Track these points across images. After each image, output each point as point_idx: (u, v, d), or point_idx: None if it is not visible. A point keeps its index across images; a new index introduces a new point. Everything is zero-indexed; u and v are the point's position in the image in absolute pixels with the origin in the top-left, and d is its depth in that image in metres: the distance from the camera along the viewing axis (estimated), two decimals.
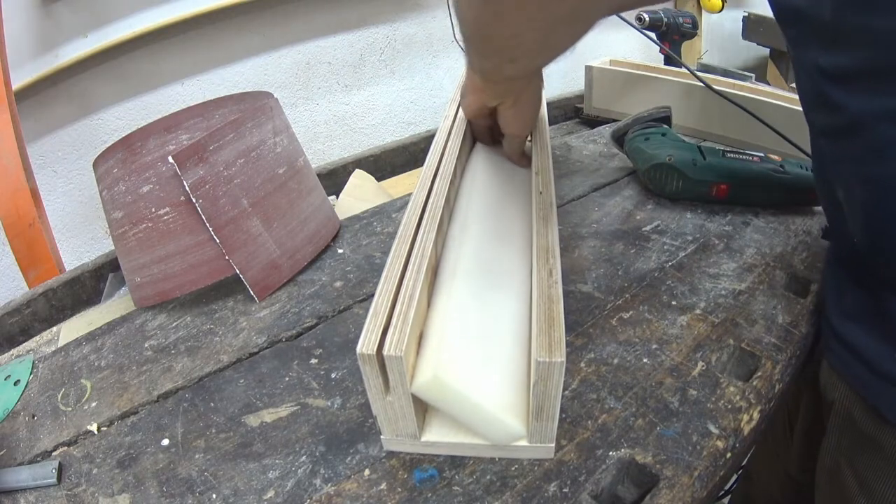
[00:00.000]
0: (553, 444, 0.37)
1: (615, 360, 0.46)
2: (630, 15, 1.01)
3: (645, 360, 0.45)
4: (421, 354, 0.35)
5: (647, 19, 1.01)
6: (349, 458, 0.39)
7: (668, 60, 1.05)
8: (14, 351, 0.59)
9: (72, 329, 0.59)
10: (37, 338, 0.61)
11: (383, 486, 0.37)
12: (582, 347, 0.47)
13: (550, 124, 1.00)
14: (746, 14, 1.72)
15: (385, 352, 0.31)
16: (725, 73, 1.01)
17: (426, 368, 0.33)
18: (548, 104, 0.59)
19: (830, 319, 0.45)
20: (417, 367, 0.34)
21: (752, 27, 1.71)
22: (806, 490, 0.54)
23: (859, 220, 0.40)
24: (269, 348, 0.51)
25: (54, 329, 0.62)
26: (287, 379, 0.47)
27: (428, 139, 0.64)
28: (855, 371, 0.42)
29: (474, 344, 0.36)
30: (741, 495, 0.75)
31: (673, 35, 1.04)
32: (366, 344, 0.31)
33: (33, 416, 0.46)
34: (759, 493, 0.69)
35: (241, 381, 0.47)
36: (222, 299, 0.58)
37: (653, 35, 1.00)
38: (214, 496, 0.38)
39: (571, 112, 1.15)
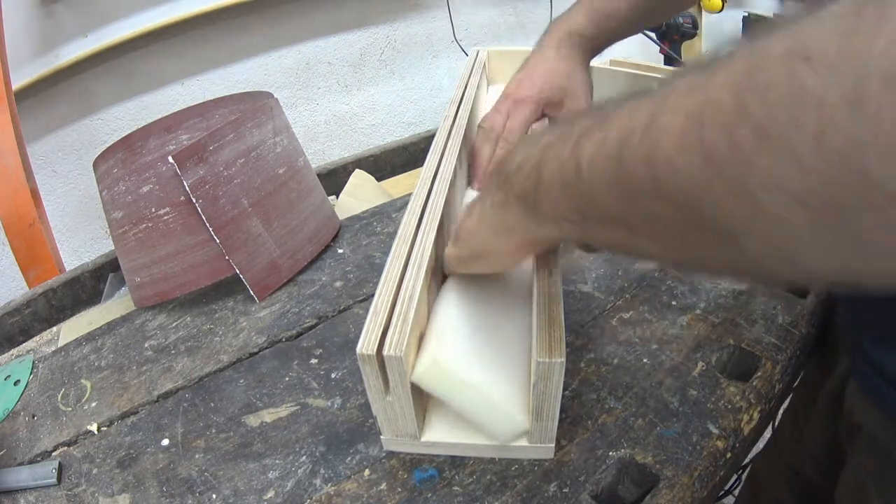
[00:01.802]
0: (553, 444, 0.37)
1: (615, 360, 0.46)
2: None
3: (645, 360, 0.45)
4: (421, 350, 0.35)
5: None
6: (349, 458, 0.39)
7: (668, 60, 1.05)
8: (14, 351, 0.59)
9: (72, 329, 0.59)
10: (37, 338, 0.61)
11: (383, 486, 0.37)
12: (582, 347, 0.47)
13: None
14: (746, 14, 1.72)
15: (385, 352, 0.31)
16: None
17: (426, 356, 0.34)
18: None
19: (860, 340, 0.43)
20: (417, 360, 0.34)
21: (752, 27, 1.71)
22: (820, 491, 0.54)
23: None
24: (269, 348, 0.51)
25: (54, 329, 0.62)
26: (287, 379, 0.47)
27: (428, 139, 0.64)
28: (888, 396, 0.40)
29: (474, 339, 0.36)
30: (747, 497, 0.75)
31: (673, 35, 1.04)
32: (366, 344, 0.31)
33: (33, 416, 0.46)
34: (765, 494, 0.69)
35: (241, 381, 0.47)
36: (222, 299, 0.58)
37: (653, 35, 1.00)
38: (214, 496, 0.38)
39: None
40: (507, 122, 0.50)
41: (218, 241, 0.54)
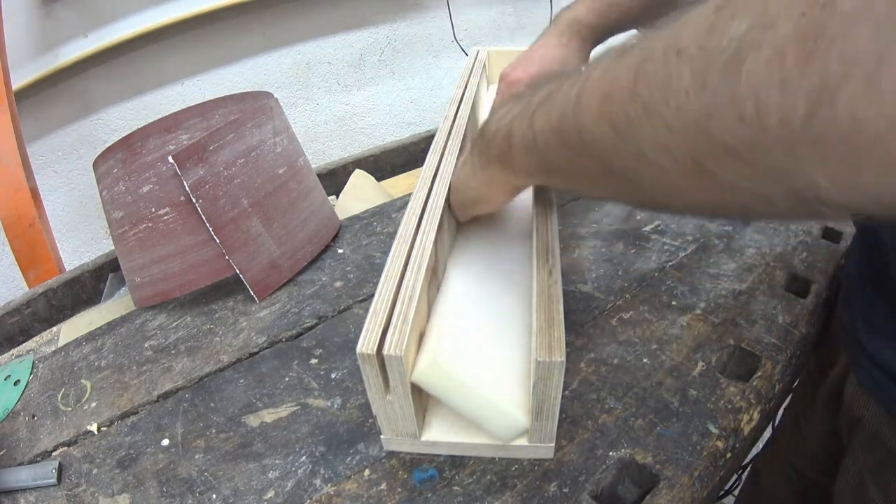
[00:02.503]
0: (553, 444, 0.37)
1: (615, 360, 0.46)
2: None
3: (645, 360, 0.45)
4: (421, 350, 0.35)
5: None
6: (349, 458, 0.39)
7: None
8: (14, 351, 0.59)
9: (72, 329, 0.59)
10: (37, 338, 0.61)
11: (383, 486, 0.37)
12: (582, 347, 0.47)
13: None
14: None
15: (385, 351, 0.31)
16: None
17: (426, 356, 0.34)
18: None
19: (860, 337, 0.44)
20: (417, 359, 0.34)
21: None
22: (819, 488, 0.54)
23: None
24: (269, 348, 0.51)
25: (54, 329, 0.62)
26: (287, 379, 0.47)
27: (428, 139, 0.64)
28: (889, 392, 0.41)
29: (475, 338, 0.36)
30: (747, 495, 0.75)
31: None
32: (366, 344, 0.32)
33: (33, 416, 0.46)
34: (765, 493, 0.69)
35: (241, 381, 0.47)
36: (222, 299, 0.58)
37: None
38: (214, 496, 0.38)
39: None
40: None
41: (218, 241, 0.54)
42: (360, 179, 0.85)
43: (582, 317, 0.50)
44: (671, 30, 0.21)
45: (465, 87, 0.61)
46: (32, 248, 0.84)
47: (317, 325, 0.53)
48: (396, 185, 0.92)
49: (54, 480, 0.40)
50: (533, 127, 0.29)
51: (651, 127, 0.21)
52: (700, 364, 0.45)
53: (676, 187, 0.23)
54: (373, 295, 0.35)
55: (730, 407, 0.41)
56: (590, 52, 0.56)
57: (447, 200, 0.43)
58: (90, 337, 0.55)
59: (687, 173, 0.21)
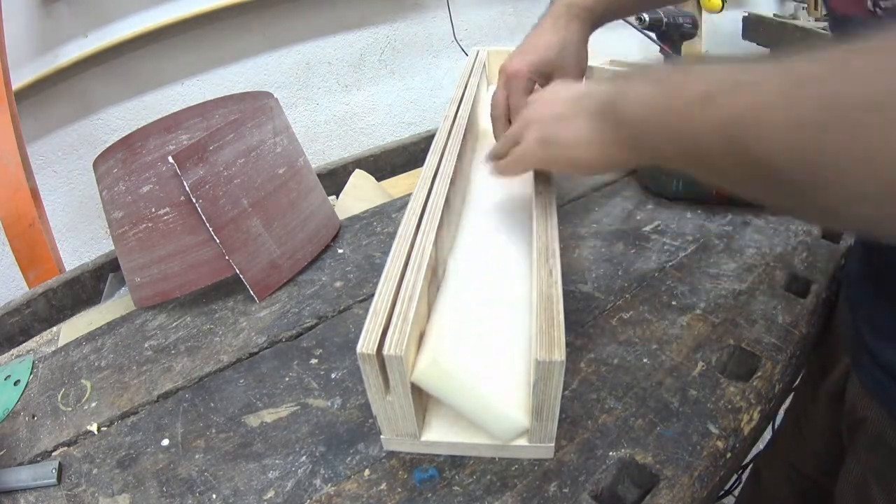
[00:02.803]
0: (553, 444, 0.37)
1: (615, 360, 0.46)
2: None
3: (645, 360, 0.45)
4: (421, 350, 0.35)
5: (647, 19, 1.01)
6: (349, 458, 0.39)
7: (669, 60, 1.05)
8: (14, 351, 0.59)
9: (72, 329, 0.59)
10: (37, 338, 0.61)
11: (383, 486, 0.37)
12: (582, 347, 0.47)
13: None
14: (746, 14, 1.72)
15: (385, 351, 0.31)
16: None
17: (426, 355, 0.34)
18: None
19: (861, 337, 0.44)
20: (417, 359, 0.34)
21: (752, 27, 1.70)
22: (820, 488, 0.54)
23: None
24: (269, 348, 0.51)
25: (54, 329, 0.62)
26: (287, 379, 0.47)
27: (428, 139, 0.64)
28: (891, 392, 0.41)
29: (474, 338, 0.36)
30: (748, 495, 0.75)
31: (673, 35, 1.03)
32: (366, 344, 0.32)
33: (33, 416, 0.46)
34: (766, 493, 0.69)
35: (241, 381, 0.47)
36: (222, 299, 0.58)
37: (653, 35, 1.00)
38: (214, 496, 0.38)
39: None
40: (510, 99, 0.52)
41: (218, 241, 0.54)
42: (360, 179, 0.85)
43: (582, 317, 0.50)
44: (851, 70, 0.21)
45: (465, 87, 0.61)
46: (32, 248, 0.84)
47: (317, 325, 0.53)
48: (396, 185, 0.91)
49: (54, 480, 0.40)
50: (694, 131, 0.28)
51: (854, 170, 0.21)
52: (700, 364, 0.45)
53: (866, 216, 0.23)
54: (373, 295, 0.35)
55: (730, 407, 0.41)
56: (589, 34, 0.55)
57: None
58: (90, 337, 0.55)
59: (890, 209, 0.21)
